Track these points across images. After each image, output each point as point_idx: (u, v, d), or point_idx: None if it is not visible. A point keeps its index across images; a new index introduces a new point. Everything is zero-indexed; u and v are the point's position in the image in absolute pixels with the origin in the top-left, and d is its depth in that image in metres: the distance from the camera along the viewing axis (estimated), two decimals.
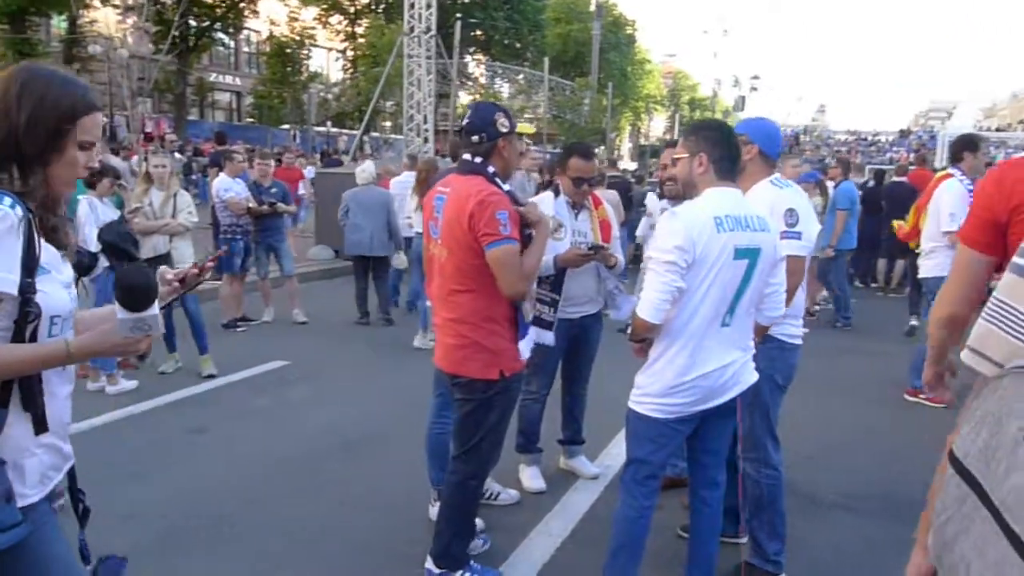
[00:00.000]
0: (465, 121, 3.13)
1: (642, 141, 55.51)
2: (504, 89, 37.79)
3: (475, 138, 3.04)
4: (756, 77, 52.95)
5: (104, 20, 29.86)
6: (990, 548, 0.99)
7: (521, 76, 36.02)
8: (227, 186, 7.89)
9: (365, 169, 8.94)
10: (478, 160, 3.05)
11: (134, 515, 3.87)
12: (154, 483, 4.32)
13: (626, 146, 58.35)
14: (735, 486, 3.32)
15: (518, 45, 40.87)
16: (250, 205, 7.98)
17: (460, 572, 3.28)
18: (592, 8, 38.42)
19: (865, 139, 64.89)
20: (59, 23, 29.85)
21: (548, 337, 3.91)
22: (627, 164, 33.25)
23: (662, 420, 2.77)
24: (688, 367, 2.70)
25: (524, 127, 5.22)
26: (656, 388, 2.76)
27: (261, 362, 6.92)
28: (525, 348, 3.16)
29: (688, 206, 2.71)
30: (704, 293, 2.64)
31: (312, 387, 6.33)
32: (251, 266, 8.45)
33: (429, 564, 3.29)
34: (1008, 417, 1.02)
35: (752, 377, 2.85)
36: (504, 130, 3.07)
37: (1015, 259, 1.17)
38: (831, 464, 4.84)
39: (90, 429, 5.06)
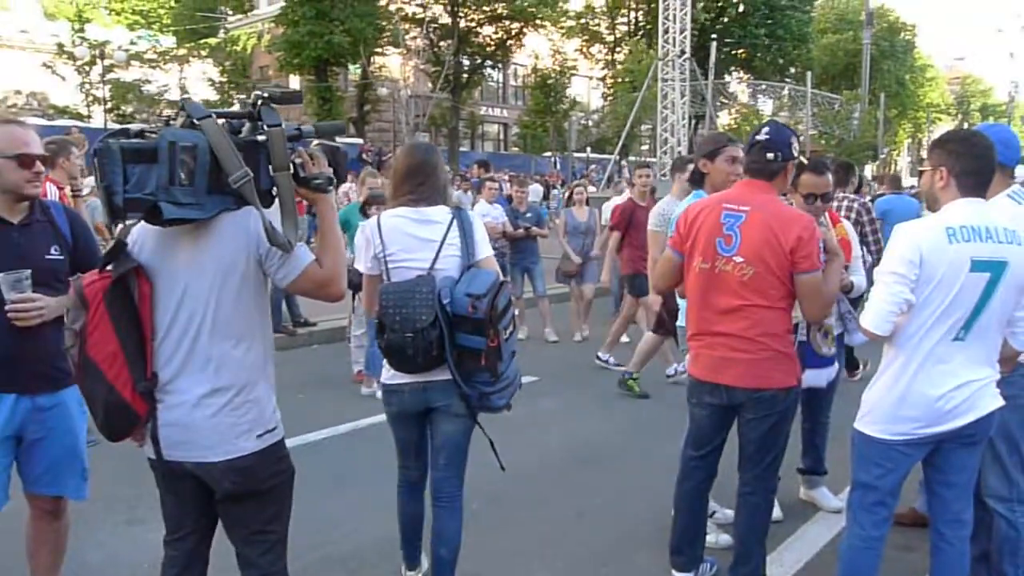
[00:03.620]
0: (763, 137, 3.16)
1: (924, 155, 50.79)
2: (767, 106, 36.55)
3: (770, 155, 3.12)
4: None
5: (390, 66, 33.34)
6: None
7: (785, 92, 34.61)
8: (484, 211, 8.49)
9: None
10: (764, 181, 3.14)
11: (386, 512, 4.31)
12: None
13: (904, 160, 53.70)
14: (987, 528, 3.05)
15: (781, 60, 39.31)
16: (506, 229, 8.52)
17: None
18: (863, 16, 36.03)
19: None
20: (354, 70, 33.69)
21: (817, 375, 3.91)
22: (905, 180, 30.63)
23: (888, 441, 2.66)
24: (913, 383, 2.59)
25: (733, 150, 5.20)
26: (881, 405, 2.67)
27: None
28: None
29: (920, 219, 2.61)
30: (934, 306, 2.54)
31: (558, 402, 6.64)
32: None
33: None
34: None
35: (994, 403, 2.63)
36: (795, 155, 3.19)
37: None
38: None
39: (360, 428, 5.72)
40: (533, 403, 6.57)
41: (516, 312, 3.11)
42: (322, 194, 2.26)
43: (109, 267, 2.21)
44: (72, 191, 5.16)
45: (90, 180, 13.40)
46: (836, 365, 3.98)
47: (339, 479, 4.72)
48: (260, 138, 2.16)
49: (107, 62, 27.91)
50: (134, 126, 2.21)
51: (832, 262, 3.23)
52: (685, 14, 17.97)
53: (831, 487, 4.40)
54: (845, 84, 39.97)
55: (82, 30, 29.61)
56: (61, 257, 2.88)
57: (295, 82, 37.61)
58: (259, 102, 2.17)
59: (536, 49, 37.76)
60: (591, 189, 16.32)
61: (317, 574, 3.66)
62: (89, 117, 29.37)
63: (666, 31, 18.23)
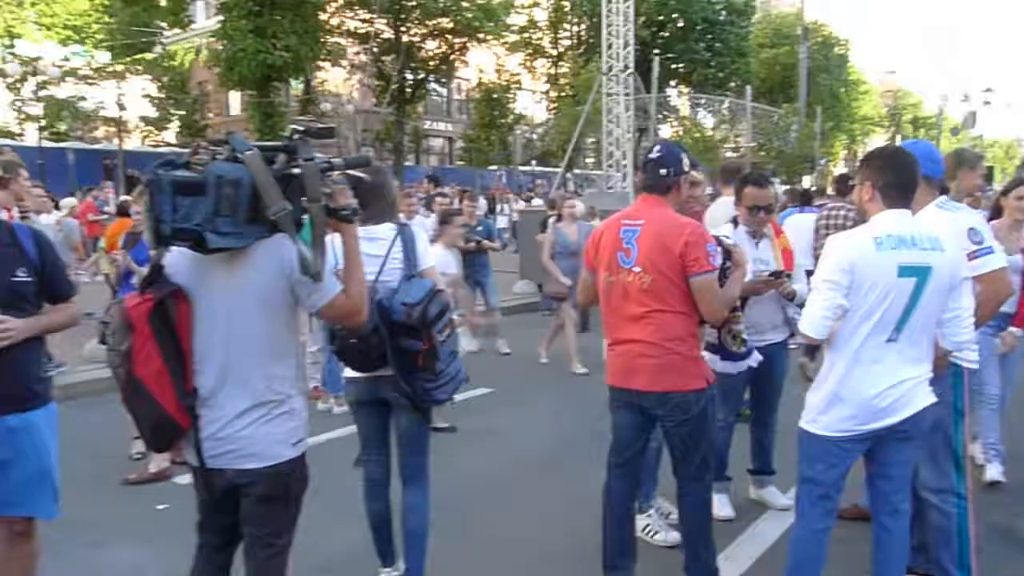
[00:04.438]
0: (656, 155, 3.35)
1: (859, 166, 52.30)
2: (707, 120, 37.39)
3: (663, 171, 3.29)
4: (989, 90, 48.24)
5: (334, 81, 33.16)
6: None
7: (725, 105, 35.44)
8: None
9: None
10: (659, 196, 3.31)
11: (356, 521, 4.35)
12: None
13: (840, 171, 55.34)
14: (923, 520, 3.24)
15: (721, 74, 40.26)
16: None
17: None
18: (799, 31, 37.19)
19: None
20: (296, 86, 33.39)
21: (730, 365, 4.02)
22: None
23: (830, 438, 2.83)
24: (850, 383, 2.77)
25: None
26: (822, 405, 2.84)
27: (466, 389, 7.42)
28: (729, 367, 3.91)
29: (849, 230, 2.82)
30: (865, 311, 2.72)
31: (513, 413, 6.73)
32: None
33: None
34: None
35: (927, 400, 2.82)
36: (686, 169, 3.33)
37: None
38: None
39: (319, 443, 5.71)
40: (488, 415, 6.65)
41: (456, 316, 3.48)
42: (348, 224, 2.43)
43: (149, 290, 2.34)
44: (20, 213, 5.09)
45: (68, 200, 12.93)
46: (752, 360, 4.11)
47: None
48: (295, 171, 2.29)
49: (40, 79, 27.15)
50: (180, 157, 2.32)
51: (735, 270, 3.51)
52: (628, 30, 18.31)
53: (780, 486, 4.57)
54: (783, 97, 41.08)
55: (12, 46, 28.83)
56: (29, 279, 2.89)
57: (235, 97, 37.16)
58: (295, 136, 2.30)
59: (480, 63, 38.00)
60: (537, 202, 16.46)
61: None
62: (21, 135, 28.56)
63: (610, 46, 18.56)
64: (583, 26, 39.80)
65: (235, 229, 2.20)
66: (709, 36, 38.69)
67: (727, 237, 3.86)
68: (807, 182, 33.80)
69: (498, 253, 10.66)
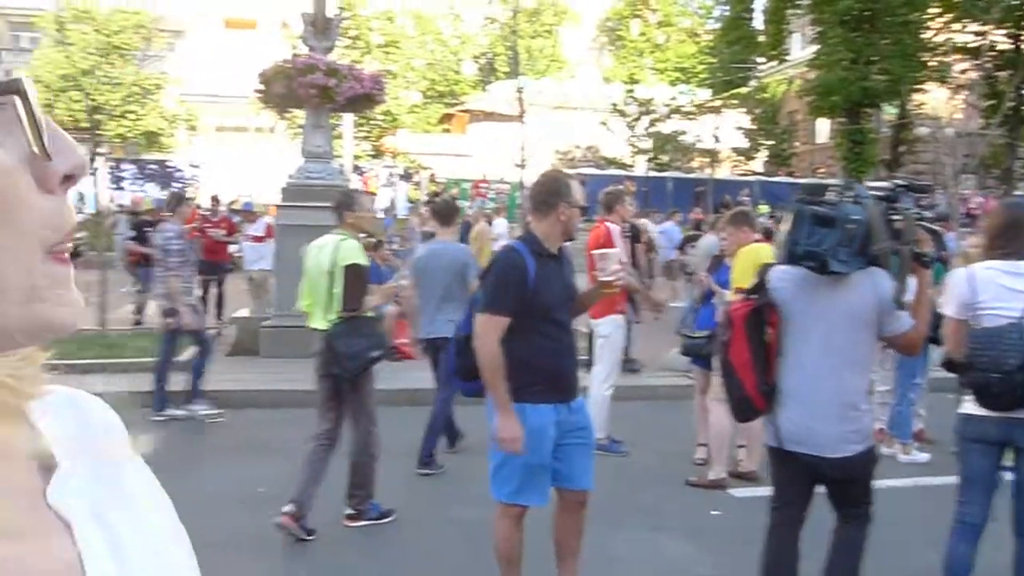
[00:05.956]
0: None
1: None
2: None
3: None
4: None
5: (932, 103, 30.68)
6: None
7: None
8: None
9: None
10: None
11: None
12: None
13: None
14: None
15: None
16: None
17: None
18: None
19: None
20: (889, 110, 31.81)
21: None
22: None
23: None
24: None
25: None
26: None
27: None
28: None
29: None
30: None
31: None
32: None
33: None
34: None
35: None
36: None
37: None
38: None
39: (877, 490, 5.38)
40: None
41: None
42: (924, 268, 2.91)
43: (752, 297, 3.07)
44: (624, 232, 6.00)
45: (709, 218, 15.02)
46: None
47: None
48: (895, 218, 2.83)
49: (651, 117, 30.93)
50: (814, 195, 3.04)
51: None
52: None
53: None
54: None
55: (632, 90, 33.32)
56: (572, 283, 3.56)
57: (824, 125, 36.96)
58: (898, 188, 2.84)
59: None
60: None
61: None
62: (632, 166, 32.84)
63: None
64: None
65: (848, 258, 2.75)
66: None
67: None
68: None
69: None
